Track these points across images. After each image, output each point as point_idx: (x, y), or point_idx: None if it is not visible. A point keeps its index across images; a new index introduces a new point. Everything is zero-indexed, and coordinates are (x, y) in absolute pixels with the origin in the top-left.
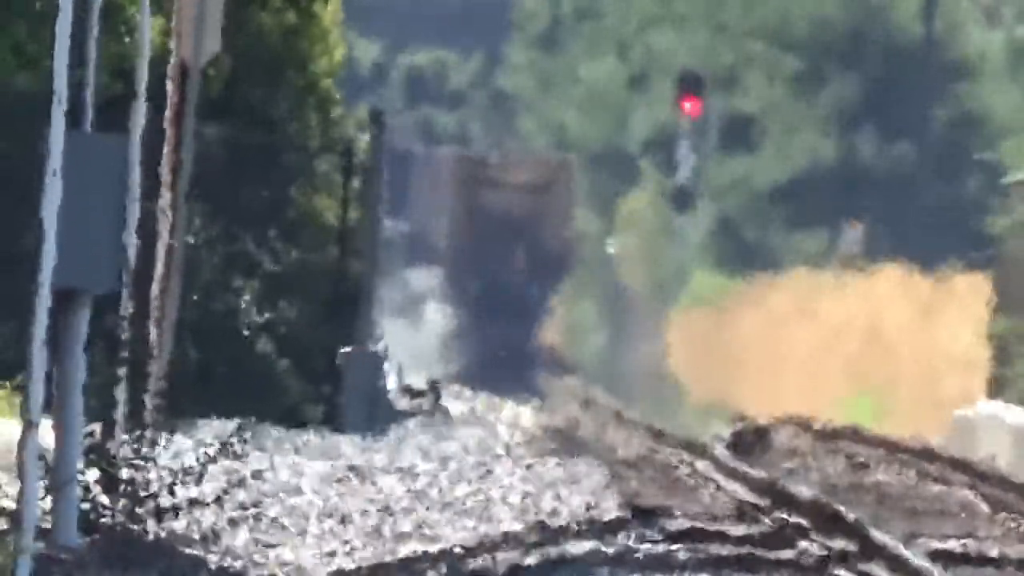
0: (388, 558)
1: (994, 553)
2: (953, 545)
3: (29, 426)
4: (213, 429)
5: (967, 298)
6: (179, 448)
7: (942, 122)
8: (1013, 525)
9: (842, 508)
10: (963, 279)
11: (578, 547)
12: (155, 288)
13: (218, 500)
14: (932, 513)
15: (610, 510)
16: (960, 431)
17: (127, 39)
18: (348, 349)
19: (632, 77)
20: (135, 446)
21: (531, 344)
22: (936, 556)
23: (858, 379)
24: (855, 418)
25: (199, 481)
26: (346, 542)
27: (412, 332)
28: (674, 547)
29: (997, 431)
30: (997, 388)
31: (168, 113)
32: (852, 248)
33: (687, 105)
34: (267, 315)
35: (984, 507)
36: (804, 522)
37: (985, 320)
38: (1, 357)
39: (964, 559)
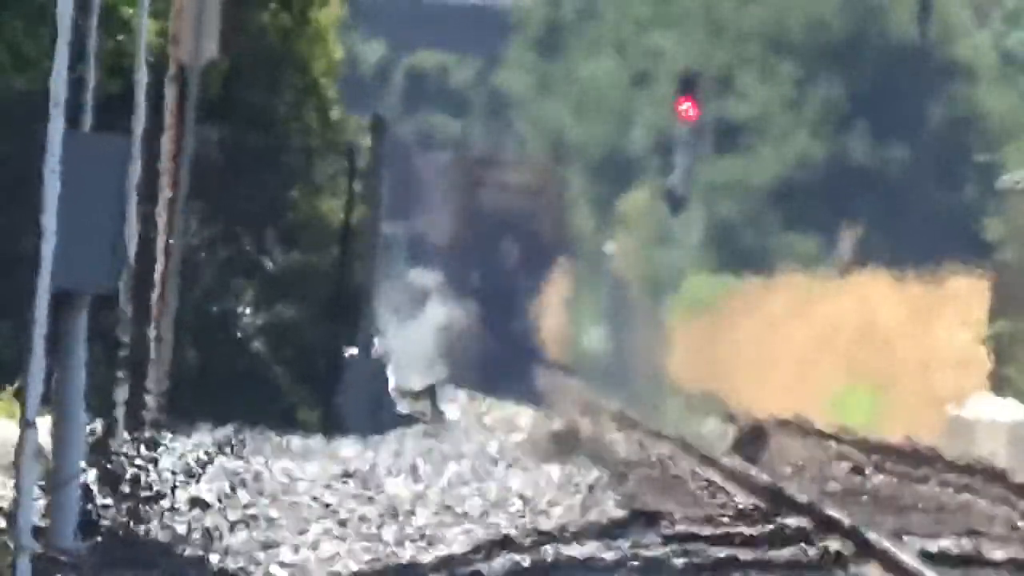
0: (387, 561)
1: (991, 553)
2: (949, 545)
3: (27, 426)
4: (212, 431)
5: (964, 300)
6: (179, 449)
7: (938, 125)
8: (1010, 524)
9: (838, 511)
10: (959, 281)
11: (576, 550)
12: (154, 289)
13: (218, 501)
14: (928, 513)
15: (608, 513)
16: (957, 431)
17: (125, 39)
18: (352, 352)
19: (630, 78)
20: (135, 446)
21: (528, 341)
22: (932, 557)
23: (854, 380)
24: (852, 419)
25: (199, 482)
26: (346, 544)
27: (412, 333)
28: (672, 550)
29: (994, 430)
30: (994, 388)
31: (167, 114)
32: (845, 252)
33: (684, 107)
34: (266, 317)
35: (981, 507)
36: (802, 525)
37: (982, 322)
38: (0, 357)
39: (960, 559)
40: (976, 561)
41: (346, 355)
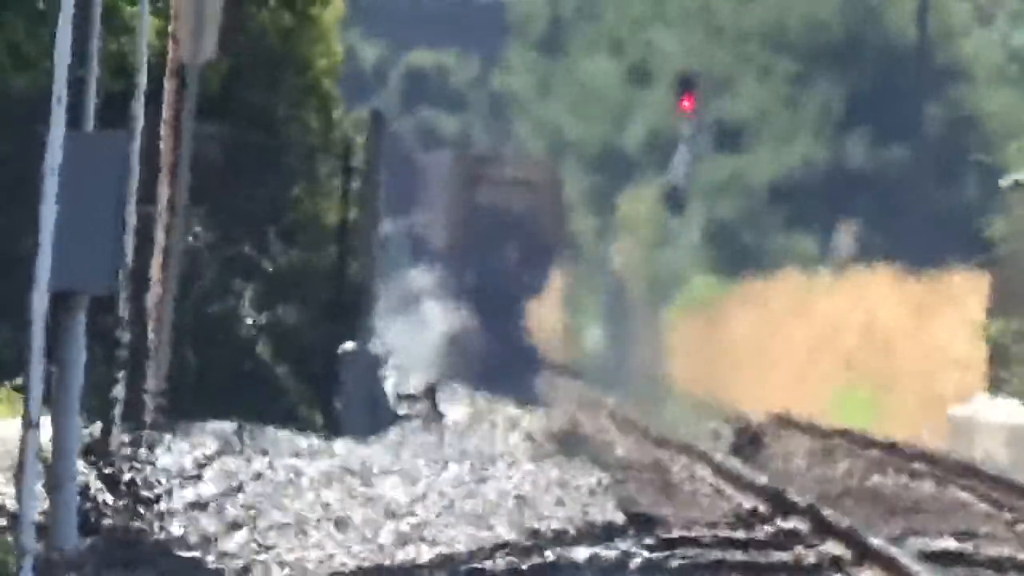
0: (387, 561)
1: (990, 553)
2: (948, 545)
3: (28, 426)
4: (212, 431)
5: (963, 298)
6: (178, 449)
7: (937, 124)
8: (1009, 525)
9: (836, 513)
10: (959, 280)
11: (575, 552)
12: (153, 289)
13: (218, 501)
14: (928, 513)
15: (607, 514)
16: (956, 430)
17: (125, 38)
18: (348, 348)
19: (629, 77)
20: (134, 446)
21: (527, 341)
22: (931, 557)
23: (854, 380)
24: (852, 419)
25: (198, 482)
26: (345, 545)
27: (411, 332)
28: (670, 552)
29: (993, 430)
30: (993, 388)
31: (167, 113)
32: (844, 251)
33: (684, 106)
34: (266, 316)
35: (980, 507)
36: (800, 527)
37: (981, 320)
38: (1, 357)
39: (959, 560)
40: (974, 562)
41: (342, 351)
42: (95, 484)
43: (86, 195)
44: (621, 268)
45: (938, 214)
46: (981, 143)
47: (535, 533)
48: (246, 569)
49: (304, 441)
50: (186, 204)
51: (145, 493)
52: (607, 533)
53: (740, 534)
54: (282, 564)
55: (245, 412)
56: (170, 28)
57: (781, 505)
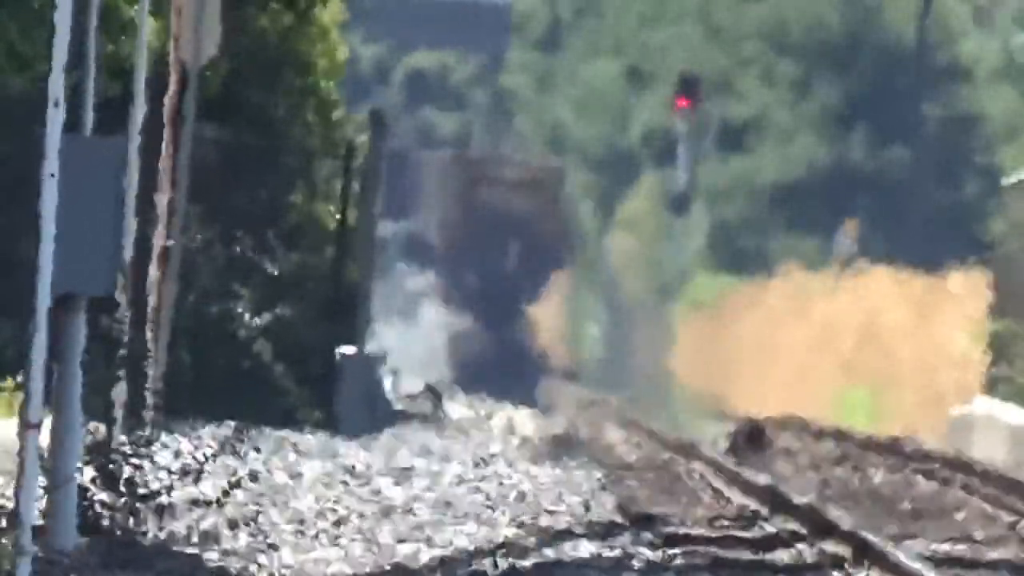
0: (386, 561)
1: (991, 555)
2: (949, 547)
3: (28, 426)
4: (211, 431)
5: (963, 298)
6: (178, 448)
7: (937, 125)
8: (1011, 526)
9: (838, 513)
10: (959, 280)
11: (574, 552)
12: (152, 290)
13: (217, 500)
14: (929, 514)
15: (607, 514)
16: (956, 430)
17: (124, 39)
18: (346, 351)
19: (630, 77)
20: (134, 446)
21: (527, 342)
22: (932, 559)
23: (854, 379)
24: (852, 418)
25: (198, 481)
26: (345, 544)
27: (410, 333)
28: (670, 552)
29: (993, 430)
30: (993, 388)
31: (167, 115)
32: (845, 250)
33: (683, 107)
34: (265, 318)
35: (981, 508)
36: (800, 527)
37: (981, 320)
38: (1, 357)
39: (960, 562)
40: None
41: (341, 354)
42: (94, 484)
43: (85, 198)
44: (622, 267)
45: (938, 214)
46: (981, 143)
47: (535, 532)
48: (246, 569)
49: (303, 440)
50: (186, 205)
51: (144, 493)
52: (608, 532)
53: (740, 533)
54: (282, 564)
55: (244, 412)
56: (171, 28)
57: (780, 505)
